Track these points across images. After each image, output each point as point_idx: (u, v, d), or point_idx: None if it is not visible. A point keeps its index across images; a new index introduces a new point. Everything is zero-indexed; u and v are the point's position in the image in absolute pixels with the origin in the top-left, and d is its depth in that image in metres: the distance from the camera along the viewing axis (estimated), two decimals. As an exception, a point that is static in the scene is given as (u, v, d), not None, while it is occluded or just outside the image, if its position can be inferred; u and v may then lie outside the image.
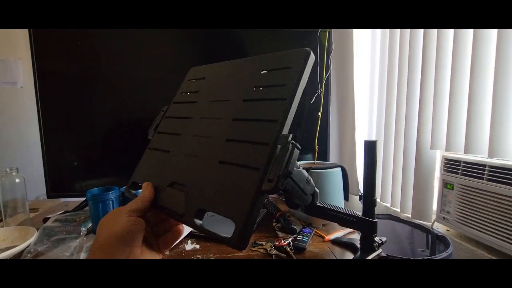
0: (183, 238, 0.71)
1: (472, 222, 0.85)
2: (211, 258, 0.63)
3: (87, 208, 0.87)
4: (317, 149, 1.01)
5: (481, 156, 0.84)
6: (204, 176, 0.35)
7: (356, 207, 1.18)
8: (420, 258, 0.78)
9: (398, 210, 1.14)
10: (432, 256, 0.79)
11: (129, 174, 0.45)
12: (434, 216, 1.02)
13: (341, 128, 1.39)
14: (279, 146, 0.31)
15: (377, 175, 0.65)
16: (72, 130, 0.96)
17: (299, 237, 0.70)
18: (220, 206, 0.31)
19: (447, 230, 0.98)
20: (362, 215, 0.62)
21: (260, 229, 0.77)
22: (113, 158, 0.98)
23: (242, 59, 0.44)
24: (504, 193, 0.76)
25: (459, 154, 0.92)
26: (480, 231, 0.83)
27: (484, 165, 0.81)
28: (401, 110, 1.11)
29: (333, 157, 1.31)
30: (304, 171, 0.42)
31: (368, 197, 0.63)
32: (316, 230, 0.76)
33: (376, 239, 0.63)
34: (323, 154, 1.06)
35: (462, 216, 0.88)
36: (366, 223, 0.61)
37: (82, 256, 0.62)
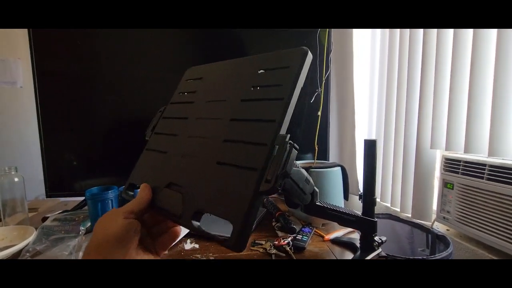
0: (182, 237, 0.71)
1: (472, 222, 0.85)
2: (211, 258, 0.63)
3: (86, 207, 0.87)
4: (316, 148, 1.01)
5: (481, 155, 0.84)
6: (202, 177, 0.35)
7: (356, 207, 1.18)
8: (420, 257, 0.78)
9: (398, 209, 1.14)
10: (432, 256, 0.79)
11: (128, 174, 0.44)
12: (434, 216, 1.01)
13: (341, 128, 1.39)
14: (277, 147, 0.30)
15: (377, 174, 0.65)
16: (72, 130, 0.96)
17: (299, 237, 0.70)
18: (217, 208, 0.31)
19: (447, 230, 0.98)
20: (362, 215, 0.62)
21: (259, 229, 0.77)
22: (113, 158, 0.98)
23: (239, 58, 0.44)
24: (504, 192, 0.75)
25: (459, 154, 0.92)
26: (480, 230, 0.82)
27: (484, 165, 0.81)
28: (401, 110, 1.11)
29: (333, 157, 1.31)
30: (304, 171, 0.41)
31: (368, 196, 0.63)
32: (316, 230, 0.76)
33: (376, 238, 0.62)
34: (323, 153, 1.06)
35: (462, 216, 0.88)
36: (366, 222, 0.61)
37: (81, 255, 0.62)
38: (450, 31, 0.89)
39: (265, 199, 0.92)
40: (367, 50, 1.33)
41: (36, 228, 0.72)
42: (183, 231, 0.68)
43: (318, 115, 1.02)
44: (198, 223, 0.33)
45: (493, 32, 0.77)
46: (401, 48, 1.11)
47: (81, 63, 0.94)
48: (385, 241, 0.64)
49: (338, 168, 0.84)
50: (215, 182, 0.33)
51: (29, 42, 0.89)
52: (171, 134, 0.44)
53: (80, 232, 0.70)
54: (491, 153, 0.78)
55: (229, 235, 0.29)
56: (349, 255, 0.64)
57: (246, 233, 0.29)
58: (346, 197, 0.85)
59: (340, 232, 0.74)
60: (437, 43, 0.93)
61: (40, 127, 0.92)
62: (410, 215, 1.06)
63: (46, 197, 0.95)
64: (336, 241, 0.70)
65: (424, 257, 0.78)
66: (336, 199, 0.82)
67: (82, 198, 0.94)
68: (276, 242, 0.66)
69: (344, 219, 0.55)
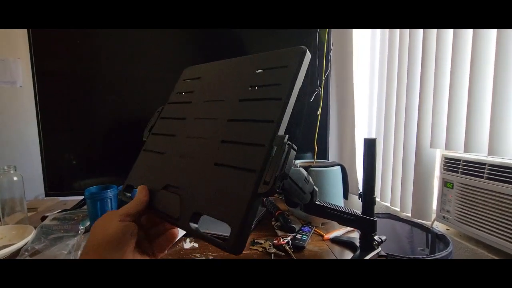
0: (181, 237, 0.71)
1: (472, 221, 0.85)
2: (210, 257, 0.63)
3: (85, 206, 0.87)
4: (316, 147, 1.01)
5: (480, 154, 0.84)
6: (199, 178, 0.35)
7: (356, 206, 1.18)
8: (420, 257, 0.78)
9: (398, 209, 1.14)
10: (432, 255, 0.79)
11: (128, 174, 0.44)
12: (434, 215, 1.01)
13: (340, 127, 1.39)
14: (275, 147, 0.30)
15: (377, 174, 0.65)
16: (72, 129, 0.95)
17: (298, 236, 0.69)
18: (215, 210, 0.31)
19: (447, 229, 0.98)
20: (361, 214, 0.62)
21: (259, 228, 0.77)
22: (112, 157, 0.98)
23: (237, 58, 0.43)
24: (504, 191, 0.75)
25: (458, 153, 0.92)
26: (480, 229, 0.82)
27: (484, 164, 0.81)
28: (401, 109, 1.11)
29: (332, 156, 1.31)
30: (303, 170, 0.41)
31: (368, 196, 0.63)
32: (316, 229, 0.76)
33: (376, 237, 0.62)
34: (323, 153, 1.06)
35: (462, 215, 0.88)
36: (366, 221, 0.61)
37: (80, 254, 0.62)
38: (450, 31, 0.89)
39: (264, 199, 0.92)
40: (367, 49, 1.33)
41: (35, 227, 0.72)
42: (181, 232, 0.68)
43: (318, 114, 1.02)
44: (196, 225, 0.32)
45: (492, 32, 0.77)
46: (400, 48, 1.11)
47: (81, 63, 0.94)
48: (385, 240, 0.64)
49: (338, 167, 0.84)
50: (213, 184, 0.33)
51: (29, 42, 0.89)
52: (168, 134, 0.44)
53: (79, 231, 0.70)
54: (491, 153, 0.78)
55: (228, 234, 0.28)
56: (348, 254, 0.64)
57: (244, 235, 0.28)
58: (345, 196, 0.85)
59: (339, 231, 0.74)
60: (437, 42, 0.93)
61: (39, 127, 0.92)
62: (409, 215, 1.06)
63: (45, 196, 0.95)
64: (336, 240, 0.70)
65: (424, 257, 0.78)
66: (335, 198, 0.82)
67: (81, 197, 0.94)
68: (276, 241, 0.66)
69: (344, 218, 0.55)
